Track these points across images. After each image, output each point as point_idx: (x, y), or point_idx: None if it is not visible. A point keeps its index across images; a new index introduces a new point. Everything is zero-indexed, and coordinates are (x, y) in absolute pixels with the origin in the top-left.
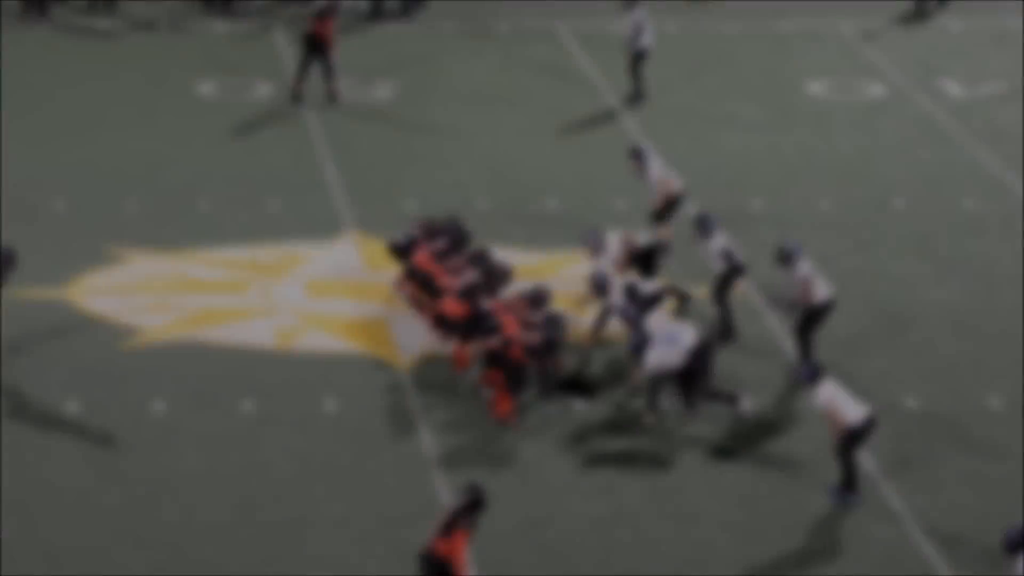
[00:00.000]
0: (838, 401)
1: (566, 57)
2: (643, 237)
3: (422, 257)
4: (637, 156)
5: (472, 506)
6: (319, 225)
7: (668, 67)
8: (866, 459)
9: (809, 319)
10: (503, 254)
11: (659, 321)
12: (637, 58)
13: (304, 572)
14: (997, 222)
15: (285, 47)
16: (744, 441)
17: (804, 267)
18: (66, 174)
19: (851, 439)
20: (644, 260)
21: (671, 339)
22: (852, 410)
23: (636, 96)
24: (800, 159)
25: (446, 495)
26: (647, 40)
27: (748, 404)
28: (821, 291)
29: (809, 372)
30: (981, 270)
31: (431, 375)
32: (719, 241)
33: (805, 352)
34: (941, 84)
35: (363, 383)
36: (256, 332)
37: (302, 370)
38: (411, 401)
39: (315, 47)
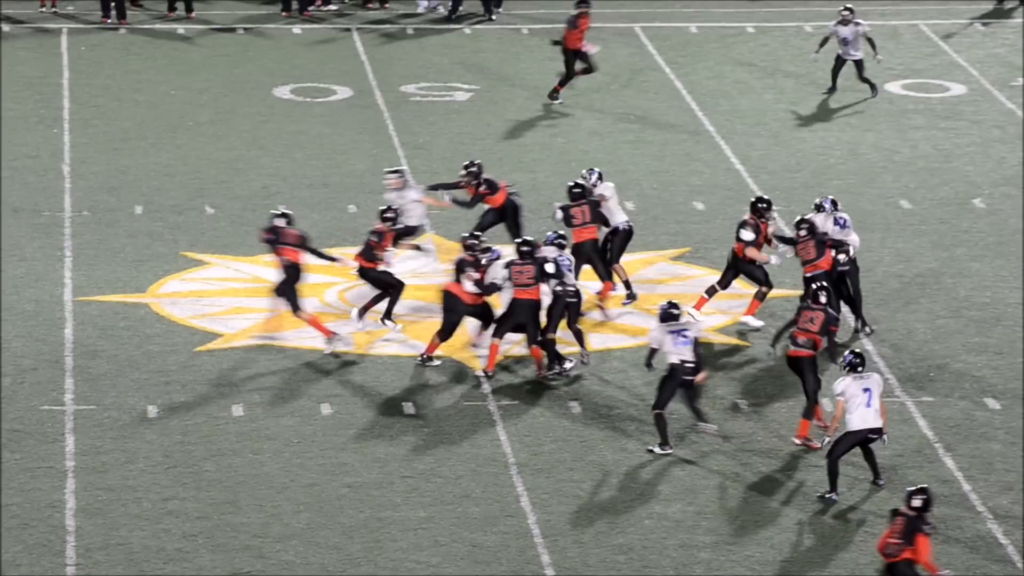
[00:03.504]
0: (851, 399)
1: (645, 58)
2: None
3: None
4: None
5: (926, 506)
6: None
7: (744, 67)
8: (947, 460)
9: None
10: None
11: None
12: (858, 67)
13: (383, 575)
14: None
15: (363, 50)
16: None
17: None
18: (144, 179)
19: (845, 439)
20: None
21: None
22: (859, 414)
23: (830, 89)
24: (880, 158)
25: (525, 498)
26: (858, 50)
27: (659, 449)
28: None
29: (849, 359)
30: None
31: (510, 377)
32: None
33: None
34: (1021, 83)
35: (442, 386)
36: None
37: (381, 373)
38: (490, 403)
39: (569, 53)
